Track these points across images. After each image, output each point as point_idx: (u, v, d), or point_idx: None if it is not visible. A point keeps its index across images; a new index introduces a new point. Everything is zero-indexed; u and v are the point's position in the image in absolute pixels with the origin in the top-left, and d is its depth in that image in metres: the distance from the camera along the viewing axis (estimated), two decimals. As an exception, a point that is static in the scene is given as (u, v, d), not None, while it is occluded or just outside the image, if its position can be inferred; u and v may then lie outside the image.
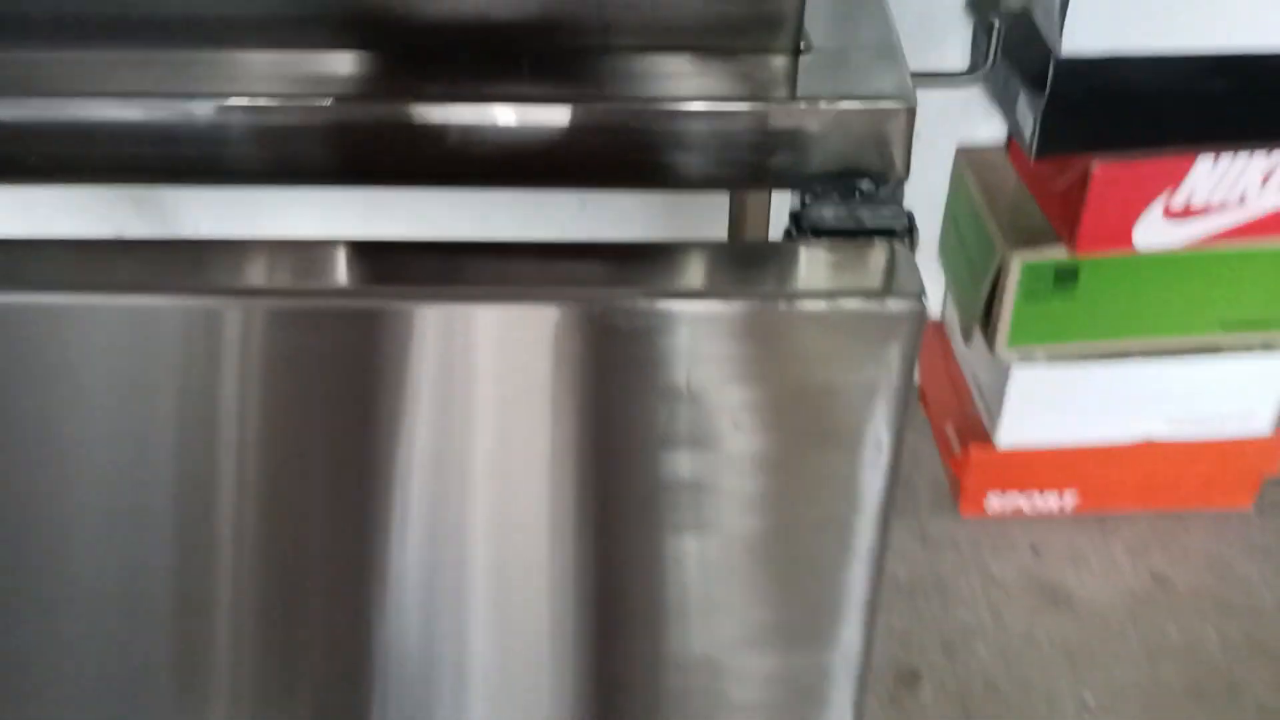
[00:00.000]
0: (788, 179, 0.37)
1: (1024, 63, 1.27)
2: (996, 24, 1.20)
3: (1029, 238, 1.40)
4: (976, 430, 1.56)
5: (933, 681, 1.42)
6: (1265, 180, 1.31)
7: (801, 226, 0.37)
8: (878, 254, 0.36)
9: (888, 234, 0.37)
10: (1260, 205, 1.33)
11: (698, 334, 0.38)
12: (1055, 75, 1.21)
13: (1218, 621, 1.48)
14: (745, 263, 0.38)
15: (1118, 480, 1.57)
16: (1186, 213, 1.33)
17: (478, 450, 0.47)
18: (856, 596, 0.51)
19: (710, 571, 0.48)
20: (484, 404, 0.44)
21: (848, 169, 0.37)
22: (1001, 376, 1.47)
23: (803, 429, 0.40)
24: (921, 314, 0.35)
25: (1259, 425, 1.53)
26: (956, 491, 1.61)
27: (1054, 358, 1.47)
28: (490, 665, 0.54)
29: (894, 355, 0.36)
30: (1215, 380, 1.49)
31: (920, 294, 0.34)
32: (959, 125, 1.55)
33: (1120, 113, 1.25)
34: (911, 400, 1.70)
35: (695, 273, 0.38)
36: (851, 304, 0.34)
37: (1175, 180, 1.30)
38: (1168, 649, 1.45)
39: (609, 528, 0.46)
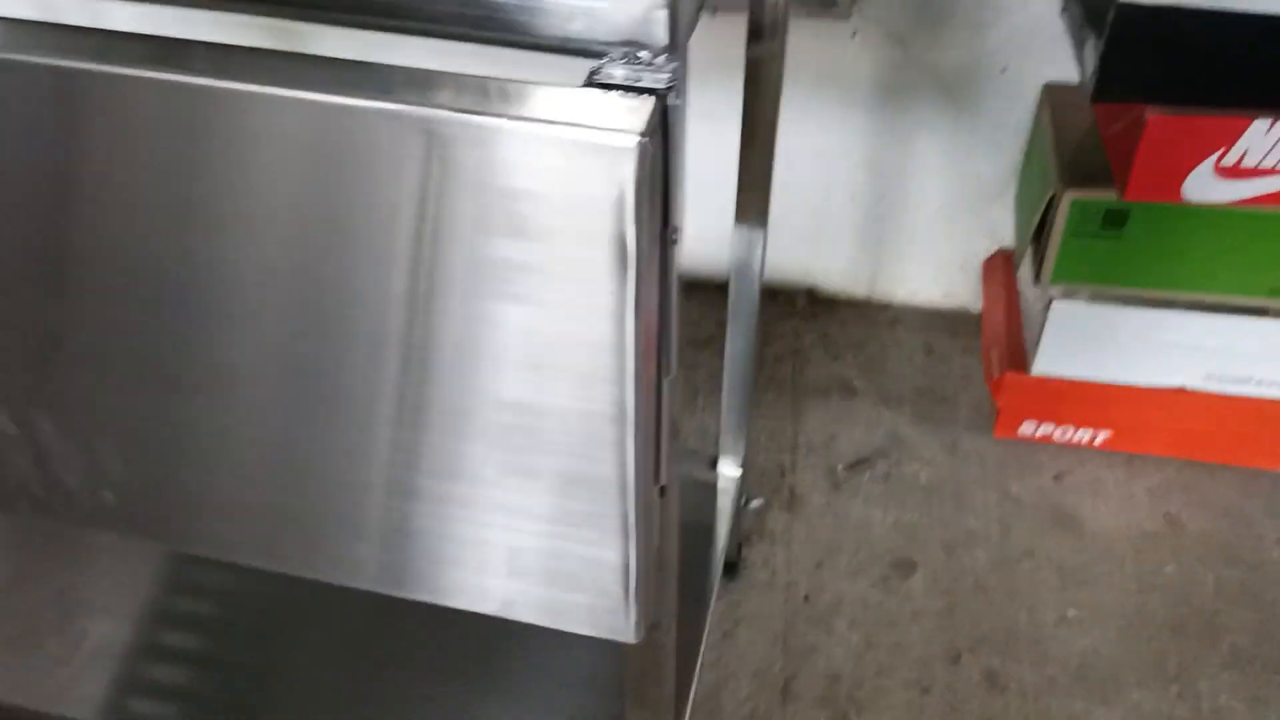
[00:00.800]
0: (586, 49, 0.49)
1: (1091, 5, 1.32)
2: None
3: (1086, 177, 1.46)
4: (1017, 358, 1.64)
5: (925, 574, 1.54)
6: (1323, 148, 1.34)
7: (592, 81, 0.49)
8: (631, 102, 0.47)
9: (651, 92, 0.48)
10: (1315, 173, 1.36)
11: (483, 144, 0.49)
12: (1115, 19, 1.26)
13: (1218, 568, 1.55)
14: (542, 101, 0.50)
15: (1149, 424, 1.63)
16: (1238, 171, 1.36)
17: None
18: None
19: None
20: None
21: (632, 41, 0.48)
22: (1043, 307, 1.55)
23: (558, 233, 0.51)
24: (643, 152, 0.45)
25: (1297, 390, 1.56)
26: (994, 414, 1.70)
27: (1097, 297, 1.53)
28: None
29: (619, 177, 0.47)
30: (1257, 342, 1.53)
31: (641, 134, 0.45)
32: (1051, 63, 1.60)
33: (1178, 64, 1.29)
34: (958, 321, 1.79)
35: (501, 101, 0.50)
36: (583, 133, 0.46)
37: (1230, 138, 1.34)
38: (1161, 584, 1.53)
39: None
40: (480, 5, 0.52)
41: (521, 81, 0.50)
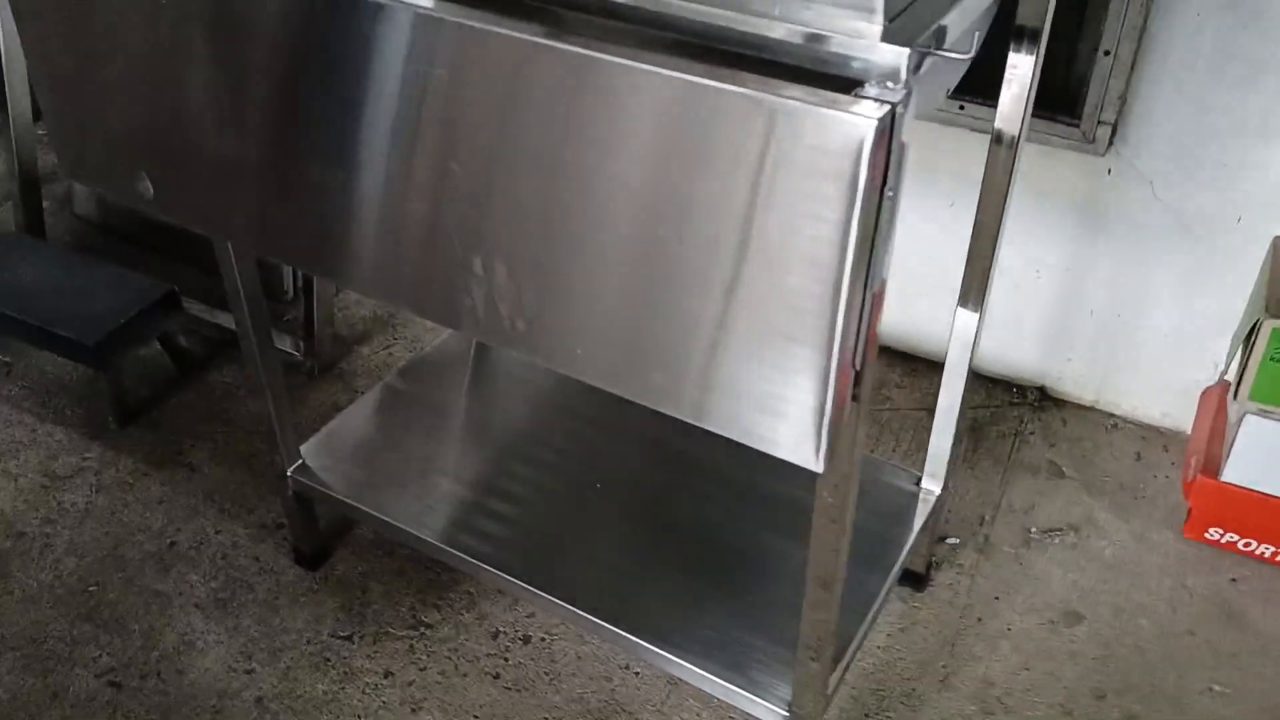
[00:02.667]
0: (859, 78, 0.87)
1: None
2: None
3: (1290, 312, 1.70)
4: (1212, 466, 1.86)
5: (1091, 627, 1.78)
6: None
7: (859, 94, 0.87)
8: (879, 107, 0.84)
9: (890, 103, 0.85)
10: None
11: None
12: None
13: (1371, 688, 1.69)
14: (835, 100, 0.89)
15: (1329, 548, 1.80)
16: None
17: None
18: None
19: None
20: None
21: (888, 72, 0.86)
22: (1238, 421, 1.78)
23: (832, 175, 0.89)
24: (880, 125, 0.82)
25: None
26: (1185, 516, 1.92)
27: (1289, 420, 1.75)
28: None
29: (862, 137, 0.83)
30: None
31: (879, 119, 0.82)
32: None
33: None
34: (1172, 439, 1.97)
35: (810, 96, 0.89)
36: (851, 114, 0.84)
37: None
38: (1310, 686, 1.69)
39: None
40: (794, 50, 0.94)
41: (817, 94, 0.90)
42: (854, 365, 1.02)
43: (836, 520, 1.17)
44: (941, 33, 0.97)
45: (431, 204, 1.14)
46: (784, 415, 1.04)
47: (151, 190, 1.37)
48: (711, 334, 1.04)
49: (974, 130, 1.90)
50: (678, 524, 1.71)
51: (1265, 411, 1.76)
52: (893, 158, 0.91)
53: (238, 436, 2.13)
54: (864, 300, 0.98)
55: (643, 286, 1.07)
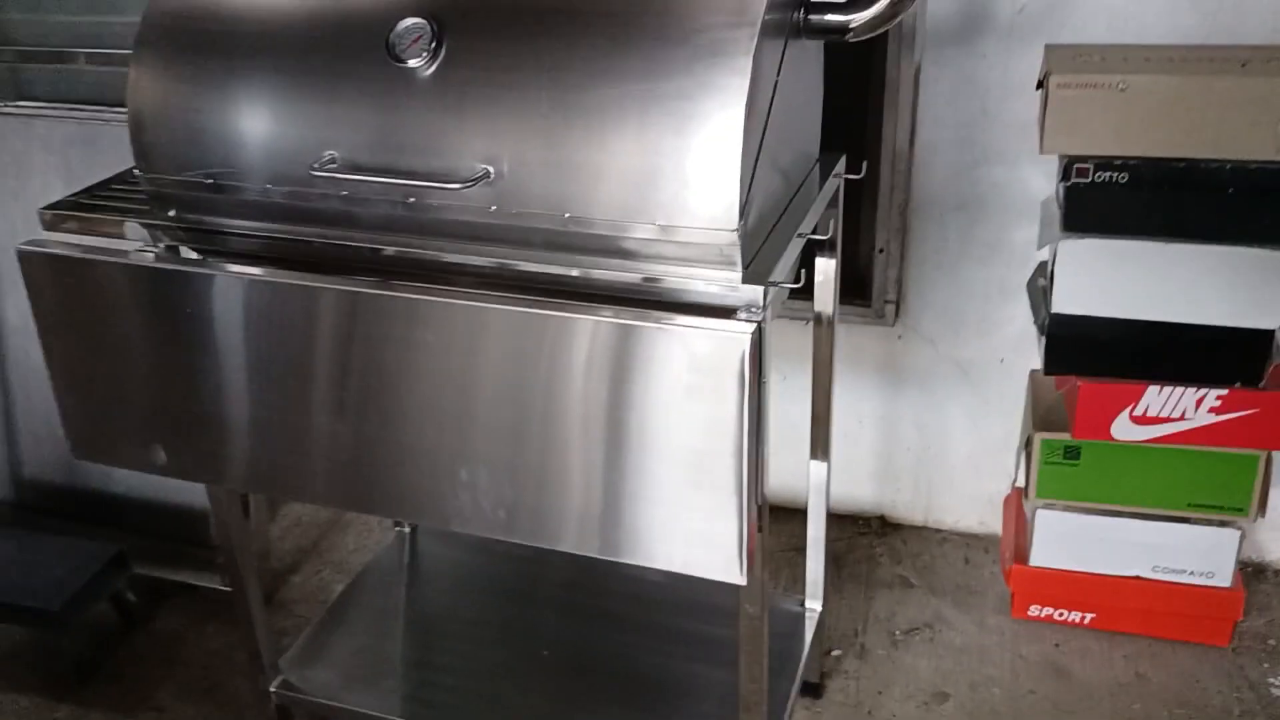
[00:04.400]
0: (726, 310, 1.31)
1: (1043, 315, 2.13)
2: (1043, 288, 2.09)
3: (1052, 425, 2.22)
4: (1022, 555, 2.34)
5: (956, 702, 2.17)
6: (1199, 404, 2.08)
7: (734, 317, 1.31)
8: (747, 325, 1.27)
9: (757, 322, 1.29)
10: (1197, 421, 2.09)
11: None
12: (1050, 322, 2.07)
13: (1173, 708, 2.14)
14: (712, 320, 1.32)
15: (1119, 607, 2.28)
16: (1146, 419, 2.11)
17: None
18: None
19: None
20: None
21: (750, 305, 1.31)
22: (1032, 517, 2.27)
23: (717, 372, 1.32)
24: (753, 337, 1.25)
25: (1221, 580, 2.21)
26: (1010, 600, 2.37)
27: (1069, 509, 2.24)
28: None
29: (742, 346, 1.25)
30: (1185, 542, 2.20)
31: (753, 333, 1.24)
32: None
33: (1094, 351, 2.08)
34: (990, 542, 2.47)
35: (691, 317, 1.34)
36: (730, 330, 1.25)
37: (1135, 398, 2.10)
38: (1129, 715, 2.12)
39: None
40: (666, 292, 1.37)
41: (710, 322, 1.33)
42: (756, 501, 1.42)
43: (757, 627, 1.55)
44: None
45: (423, 433, 1.50)
46: (712, 546, 1.42)
47: (164, 458, 1.67)
48: (654, 497, 1.43)
49: (794, 319, 2.39)
50: (608, 666, 2.04)
51: (1050, 505, 2.25)
52: (764, 355, 1.34)
53: (195, 674, 2.33)
54: (758, 454, 1.39)
55: (599, 471, 1.44)
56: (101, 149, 2.53)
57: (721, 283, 1.36)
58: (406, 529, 2.40)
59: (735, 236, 1.33)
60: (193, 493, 2.59)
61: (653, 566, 1.47)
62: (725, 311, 1.36)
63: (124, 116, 2.47)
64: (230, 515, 1.83)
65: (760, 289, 1.34)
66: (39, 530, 2.55)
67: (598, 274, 1.41)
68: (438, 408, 1.47)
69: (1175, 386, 2.08)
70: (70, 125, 2.58)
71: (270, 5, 1.52)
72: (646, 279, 1.40)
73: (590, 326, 1.35)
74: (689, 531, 1.43)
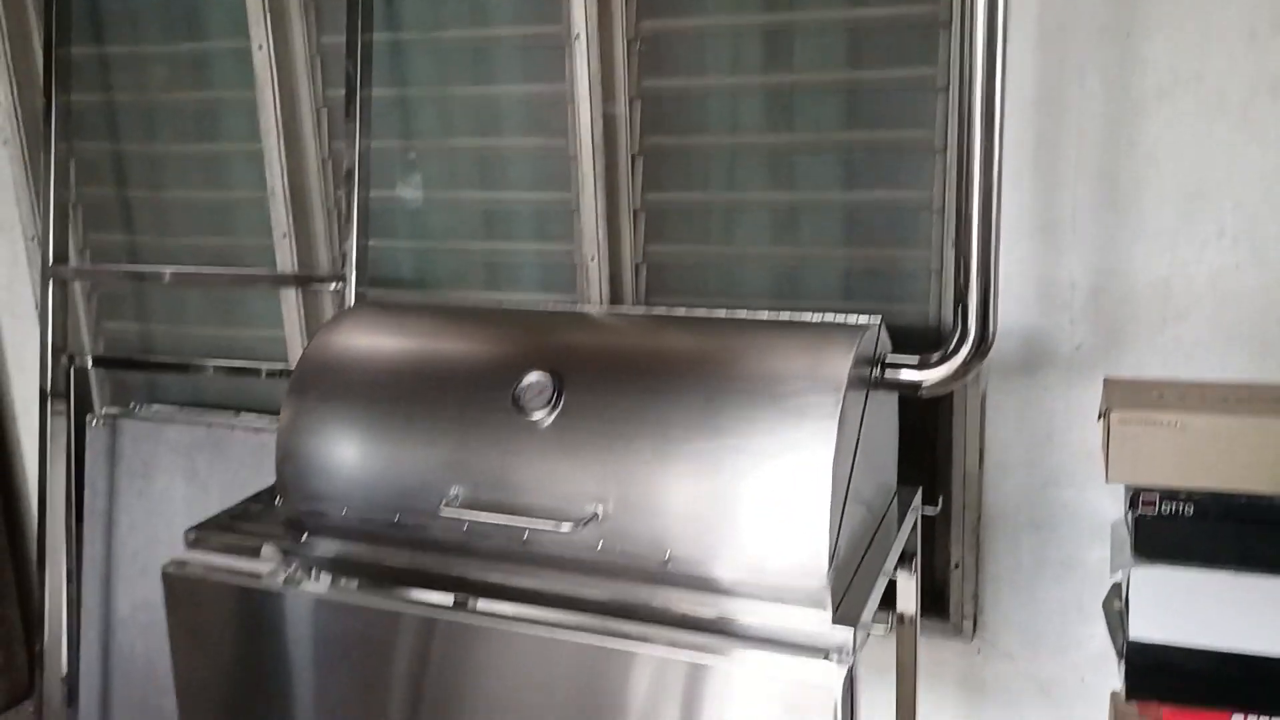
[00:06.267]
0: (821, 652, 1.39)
1: (1120, 642, 2.17)
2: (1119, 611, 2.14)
3: (1139, 755, 2.20)
4: None
5: None
6: (1286, 737, 2.07)
7: (828, 658, 1.39)
8: (840, 667, 1.35)
9: (848, 666, 1.37)
10: (1286, 754, 2.07)
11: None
12: (1128, 650, 2.11)
13: None
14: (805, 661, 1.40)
15: None
16: (1235, 748, 2.10)
17: None
18: None
19: None
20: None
21: (840, 649, 1.40)
22: (1125, 847, 2.21)
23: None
24: (846, 678, 1.31)
25: None
26: None
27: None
28: None
29: (836, 686, 1.32)
30: None
31: (845, 673, 1.33)
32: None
33: (1175, 678, 2.10)
34: None
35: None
36: (822, 670, 1.33)
37: (1221, 726, 2.10)
38: None
39: None
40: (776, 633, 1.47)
41: (810, 663, 1.42)
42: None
43: None
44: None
45: (524, 758, 1.57)
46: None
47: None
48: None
49: (877, 623, 2.44)
50: None
51: (1143, 823, 2.20)
52: (855, 697, 1.42)
53: None
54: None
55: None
56: (225, 454, 2.75)
57: (812, 623, 1.46)
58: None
59: (825, 581, 1.44)
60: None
61: None
62: (816, 650, 1.45)
63: (248, 425, 2.71)
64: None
65: (850, 631, 1.44)
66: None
67: (692, 610, 1.52)
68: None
69: (1261, 717, 2.08)
70: (199, 430, 2.81)
71: (409, 359, 1.73)
72: (739, 618, 1.50)
73: (680, 663, 1.45)
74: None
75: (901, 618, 1.95)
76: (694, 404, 1.53)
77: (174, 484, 2.79)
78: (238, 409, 2.91)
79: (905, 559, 1.91)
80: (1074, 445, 2.34)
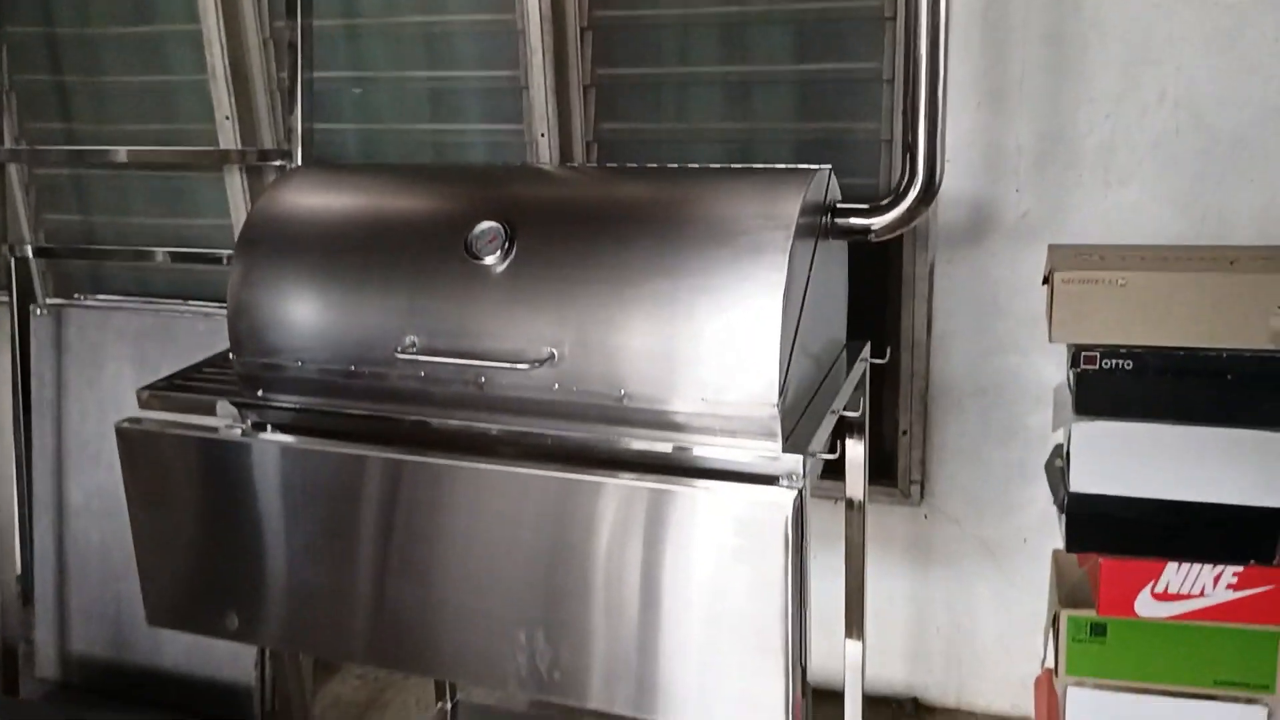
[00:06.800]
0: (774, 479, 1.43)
1: (1059, 495, 2.24)
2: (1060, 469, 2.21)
3: (1077, 602, 2.29)
4: (1055, 737, 2.36)
5: None
6: (1216, 581, 2.16)
7: (780, 485, 1.43)
8: (791, 492, 1.39)
9: (799, 489, 1.41)
10: (1216, 598, 2.16)
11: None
12: (1069, 501, 2.18)
13: None
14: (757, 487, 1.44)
15: (1157, 786, 2.29)
16: (1167, 596, 2.18)
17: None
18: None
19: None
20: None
21: (790, 474, 1.43)
22: (1062, 695, 2.31)
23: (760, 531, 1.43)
24: (796, 500, 1.36)
25: (1253, 758, 2.23)
26: (1047, 781, 2.38)
27: (1099, 687, 2.29)
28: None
29: (787, 506, 1.36)
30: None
31: (796, 495, 1.37)
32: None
33: (1113, 528, 2.18)
34: None
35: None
36: (776, 495, 1.38)
37: (1155, 574, 2.18)
38: None
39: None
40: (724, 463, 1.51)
41: (760, 489, 1.46)
42: (801, 664, 1.51)
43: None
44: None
45: (483, 598, 1.60)
46: (756, 707, 1.50)
47: (237, 623, 1.77)
48: (699, 659, 1.52)
49: (823, 498, 2.50)
50: None
51: (1080, 683, 2.30)
52: (805, 520, 1.46)
53: None
54: (802, 617, 1.49)
55: (648, 636, 1.54)
56: (175, 339, 2.73)
57: (764, 453, 1.49)
58: (449, 704, 2.46)
59: (776, 410, 1.47)
60: (236, 668, 2.66)
61: (698, 726, 1.55)
62: (767, 480, 1.49)
63: (198, 309, 2.69)
64: (292, 678, 1.91)
65: (800, 458, 1.47)
66: (87, 707, 2.61)
67: (649, 446, 1.55)
68: (500, 573, 1.58)
69: (1193, 564, 2.16)
70: (147, 317, 2.78)
71: (356, 208, 1.72)
72: (694, 450, 1.53)
73: (642, 493, 1.48)
74: (737, 693, 1.51)
75: (850, 483, 1.99)
76: (646, 246, 1.55)
77: (123, 371, 2.77)
78: (186, 299, 2.88)
79: (856, 428, 1.95)
80: (1019, 312, 2.40)
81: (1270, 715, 2.22)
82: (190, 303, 2.81)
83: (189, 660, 2.73)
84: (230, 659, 2.67)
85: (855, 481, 2.00)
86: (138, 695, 2.74)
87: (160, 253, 2.85)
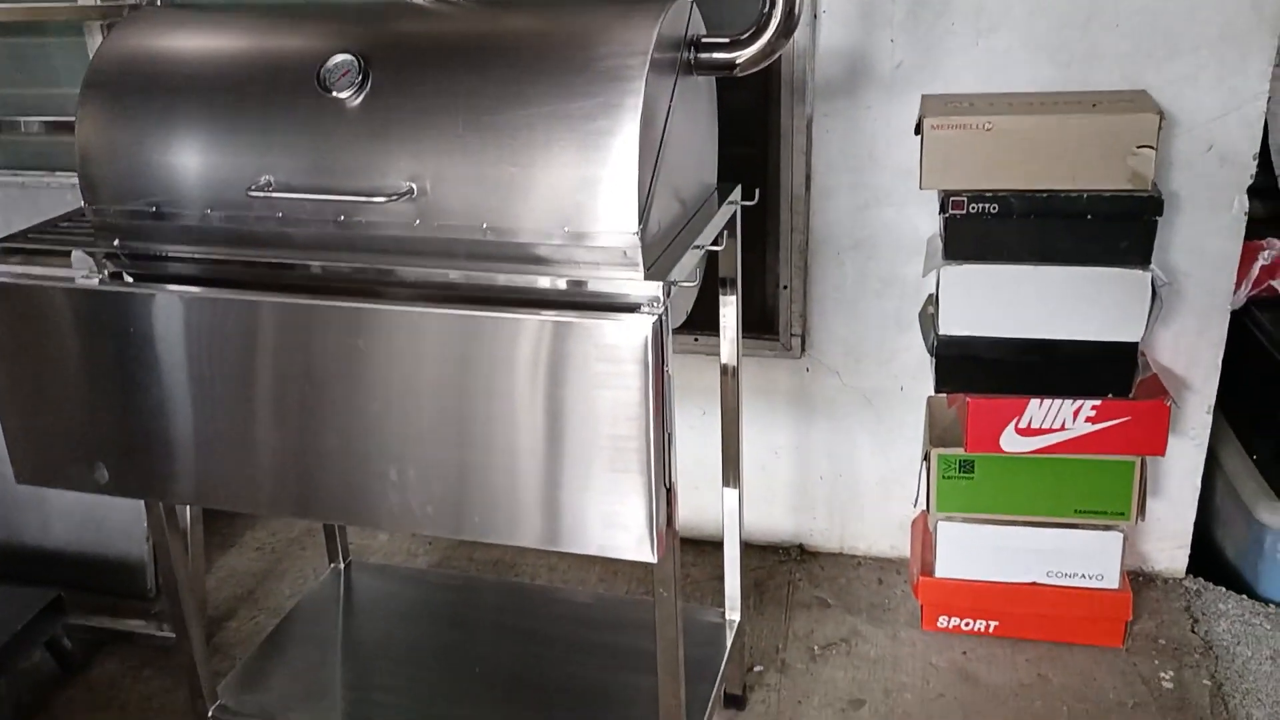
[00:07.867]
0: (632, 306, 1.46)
1: (930, 338, 2.31)
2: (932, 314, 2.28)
3: (947, 441, 2.38)
4: (928, 570, 2.48)
5: (870, 707, 2.29)
6: (1076, 415, 2.26)
7: (638, 311, 1.45)
8: (650, 318, 1.43)
9: (657, 315, 1.43)
10: (1076, 431, 2.27)
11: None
12: (937, 344, 2.25)
13: (1071, 704, 2.27)
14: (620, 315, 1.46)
15: (1019, 613, 2.42)
16: (1030, 431, 2.28)
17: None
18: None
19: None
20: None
21: (653, 299, 1.45)
22: (934, 529, 2.42)
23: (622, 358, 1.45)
24: (655, 324, 1.39)
25: (1109, 582, 2.37)
26: (920, 614, 2.50)
27: (968, 520, 2.40)
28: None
29: (645, 332, 1.38)
30: (1074, 547, 2.36)
31: (654, 321, 1.38)
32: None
33: (979, 368, 2.26)
34: (901, 564, 2.62)
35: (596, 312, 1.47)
36: (635, 321, 1.39)
37: (1019, 411, 2.28)
38: (1032, 713, 2.25)
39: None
40: (583, 294, 1.52)
41: (617, 316, 1.48)
42: (665, 483, 1.55)
43: (670, 611, 1.67)
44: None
45: (355, 437, 1.61)
46: (625, 527, 1.55)
47: (107, 476, 1.76)
48: (568, 483, 1.55)
49: (707, 356, 2.54)
50: (538, 682, 2.13)
51: (950, 517, 2.41)
52: (665, 345, 1.49)
53: (133, 716, 2.36)
54: (664, 437, 1.53)
55: (517, 464, 1.57)
56: (44, 210, 2.63)
57: (625, 281, 1.51)
58: (342, 565, 2.48)
59: (635, 239, 1.48)
60: (128, 543, 2.65)
61: (574, 552, 1.59)
62: (631, 308, 1.51)
63: (65, 180, 2.60)
64: (170, 534, 1.91)
65: (660, 284, 1.49)
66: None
67: (515, 280, 1.56)
68: (367, 412, 1.59)
69: (1054, 399, 2.26)
70: (13, 190, 2.68)
71: (208, 47, 1.67)
72: (560, 283, 1.54)
73: (507, 325, 1.49)
74: (605, 515, 1.55)
75: (724, 337, 2.02)
76: (502, 77, 1.53)
77: (-10, 246, 2.67)
78: (58, 169, 2.77)
79: (729, 284, 1.97)
80: (894, 165, 2.43)
81: (1125, 540, 2.36)
82: (57, 173, 2.71)
83: (80, 538, 2.70)
84: (122, 534, 2.66)
85: (730, 337, 2.03)
86: (28, 573, 2.71)
87: (22, 122, 2.73)
